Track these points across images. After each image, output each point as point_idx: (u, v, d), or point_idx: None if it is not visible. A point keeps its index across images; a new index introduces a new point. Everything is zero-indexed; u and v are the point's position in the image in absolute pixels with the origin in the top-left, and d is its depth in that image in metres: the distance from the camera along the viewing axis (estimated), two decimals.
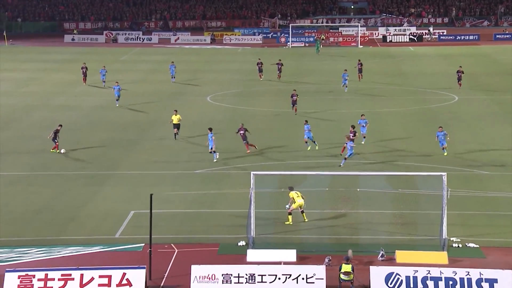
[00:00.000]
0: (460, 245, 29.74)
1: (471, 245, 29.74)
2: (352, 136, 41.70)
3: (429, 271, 25.71)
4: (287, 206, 32.26)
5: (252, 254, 28.40)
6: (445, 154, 42.11)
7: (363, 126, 45.83)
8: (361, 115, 46.94)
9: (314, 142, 44.26)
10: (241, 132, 44.11)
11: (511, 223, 32.20)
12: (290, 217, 32.10)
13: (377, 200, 34.98)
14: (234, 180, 38.36)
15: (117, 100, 58.70)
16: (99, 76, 68.40)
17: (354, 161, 41.22)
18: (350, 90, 64.49)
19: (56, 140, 44.22)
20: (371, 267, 26.20)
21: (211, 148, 42.07)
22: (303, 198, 32.15)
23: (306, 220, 32.19)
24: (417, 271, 25.77)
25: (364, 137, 45.40)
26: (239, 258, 28.23)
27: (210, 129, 42.67)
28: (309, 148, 44.01)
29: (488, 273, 25.54)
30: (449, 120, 53.98)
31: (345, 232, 31.32)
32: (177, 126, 47.48)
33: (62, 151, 43.87)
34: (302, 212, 32.28)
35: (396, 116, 55.64)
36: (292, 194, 32.23)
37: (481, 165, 40.58)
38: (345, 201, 34.73)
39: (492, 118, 54.30)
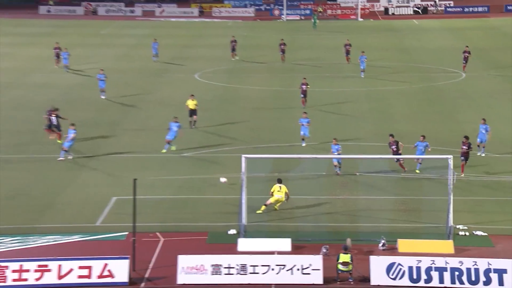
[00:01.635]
0: (467, 233, 29.87)
1: (479, 233, 29.87)
2: (467, 148, 36.49)
3: (434, 261, 25.79)
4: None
5: (244, 243, 28.47)
6: (417, 171, 36.69)
7: (303, 125, 41.32)
8: (303, 113, 42.63)
9: (170, 144, 40.57)
10: (52, 116, 41.88)
11: None
12: (263, 207, 31.77)
13: (378, 185, 35.09)
14: (224, 164, 38.40)
15: (102, 92, 53.58)
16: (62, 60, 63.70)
17: (354, 143, 41.27)
18: (349, 66, 64.39)
19: (51, 127, 41.41)
20: (371, 257, 26.30)
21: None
22: (287, 195, 31.73)
23: (277, 209, 32.00)
24: (420, 261, 25.85)
25: (303, 139, 40.95)
26: (230, 247, 28.31)
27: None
28: (173, 148, 40.56)
29: (497, 263, 25.64)
30: (456, 98, 54.11)
31: (344, 220, 31.41)
32: (194, 112, 45.51)
33: None
34: (275, 207, 32.01)
35: (400, 94, 55.70)
36: (275, 187, 31.94)
37: (490, 147, 40.61)
38: (344, 186, 34.79)
39: (503, 96, 54.42)
